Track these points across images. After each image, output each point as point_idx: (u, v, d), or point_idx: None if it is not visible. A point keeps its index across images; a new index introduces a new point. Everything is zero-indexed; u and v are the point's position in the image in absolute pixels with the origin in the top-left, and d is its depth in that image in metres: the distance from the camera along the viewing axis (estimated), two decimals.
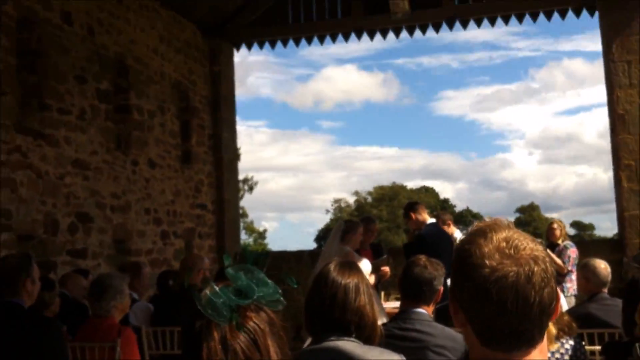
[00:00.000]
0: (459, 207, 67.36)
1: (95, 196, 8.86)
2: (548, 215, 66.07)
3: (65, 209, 8.30)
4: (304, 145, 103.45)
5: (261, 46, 12.07)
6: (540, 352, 1.40)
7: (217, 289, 1.51)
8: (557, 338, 3.05)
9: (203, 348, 1.45)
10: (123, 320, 5.23)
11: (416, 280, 3.43)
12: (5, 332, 3.82)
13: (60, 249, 8.16)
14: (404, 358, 2.56)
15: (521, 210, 66.97)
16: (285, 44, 12.06)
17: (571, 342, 3.14)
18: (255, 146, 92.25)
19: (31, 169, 7.78)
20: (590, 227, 64.21)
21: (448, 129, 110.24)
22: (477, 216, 66.68)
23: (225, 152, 12.14)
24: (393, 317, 3.72)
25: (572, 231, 63.30)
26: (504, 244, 1.36)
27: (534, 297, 1.33)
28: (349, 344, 2.54)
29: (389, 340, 3.40)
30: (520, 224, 60.47)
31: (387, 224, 55.86)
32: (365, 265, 6.67)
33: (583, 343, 3.50)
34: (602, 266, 5.01)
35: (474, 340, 1.41)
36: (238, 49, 12.49)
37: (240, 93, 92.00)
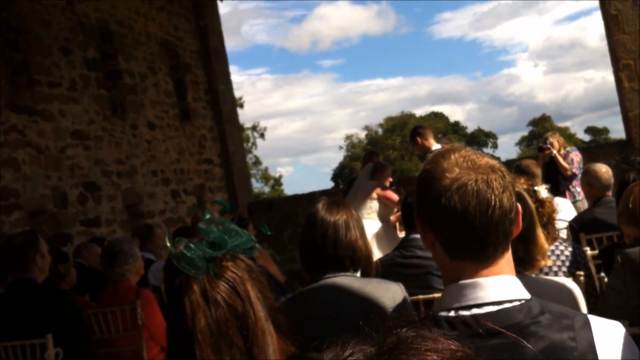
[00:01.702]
0: (470, 128, 67.10)
1: (99, 164, 8.91)
2: (561, 124, 65.73)
3: (72, 180, 8.36)
4: (308, 87, 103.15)
5: None
6: (507, 262, 1.43)
7: (191, 244, 1.53)
8: (552, 248, 3.04)
9: (185, 302, 1.48)
10: (142, 281, 5.31)
11: (413, 207, 3.44)
12: (21, 308, 3.90)
13: (72, 220, 8.26)
14: (401, 286, 2.57)
15: (533, 123, 66.52)
16: None
17: (570, 249, 3.14)
18: (260, 94, 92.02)
19: (31, 146, 7.82)
20: (605, 130, 63.73)
21: (450, 52, 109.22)
22: (489, 135, 66.41)
23: (223, 105, 12.10)
24: (396, 246, 3.76)
25: (587, 137, 62.90)
26: (462, 159, 1.41)
27: (495, 200, 1.37)
28: (345, 279, 2.55)
29: (394, 269, 3.44)
30: (534, 137, 60.13)
31: (400, 152, 55.86)
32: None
33: (586, 249, 3.51)
34: (604, 170, 4.97)
35: (444, 258, 1.44)
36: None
37: (237, 43, 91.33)
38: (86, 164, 8.67)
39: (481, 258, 1.40)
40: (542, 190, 2.65)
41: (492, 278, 1.39)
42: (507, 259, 1.43)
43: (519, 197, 2.46)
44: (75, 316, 4.00)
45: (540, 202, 2.62)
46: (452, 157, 1.42)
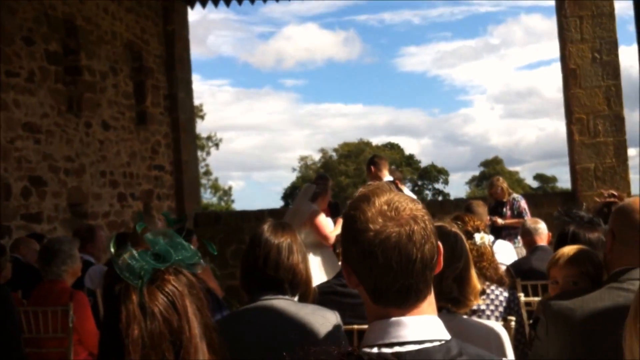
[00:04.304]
0: (424, 162, 67.90)
1: (48, 160, 8.75)
2: (512, 168, 67.09)
3: (17, 173, 8.19)
4: (268, 104, 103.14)
5: (216, 4, 11.82)
6: (429, 304, 1.48)
7: (135, 253, 1.52)
8: (488, 292, 3.12)
9: (121, 311, 1.47)
10: (78, 283, 5.22)
11: None
12: None
13: (14, 214, 8.08)
14: (337, 314, 2.60)
15: (485, 164, 67.80)
16: (240, 1, 11.80)
17: (505, 294, 3.21)
18: (219, 106, 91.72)
19: None
20: (553, 179, 65.29)
21: (411, 86, 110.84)
22: (442, 171, 67.31)
23: (181, 112, 11.99)
24: (336, 274, 3.78)
25: (535, 184, 64.31)
26: (386, 207, 1.44)
27: (416, 254, 1.41)
28: (282, 302, 2.57)
29: (331, 297, 3.46)
30: (484, 177, 61.21)
31: (353, 180, 56.10)
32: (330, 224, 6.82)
33: (520, 295, 3.60)
34: (539, 221, 5.21)
35: (367, 299, 1.48)
36: (192, 7, 12.26)
37: (202, 52, 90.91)
38: (34, 157, 8.51)
39: (403, 305, 1.44)
40: (485, 237, 2.73)
41: (415, 317, 1.44)
42: (429, 301, 1.48)
43: (456, 239, 2.55)
44: (6, 311, 3.92)
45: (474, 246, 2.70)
46: (377, 203, 1.45)
